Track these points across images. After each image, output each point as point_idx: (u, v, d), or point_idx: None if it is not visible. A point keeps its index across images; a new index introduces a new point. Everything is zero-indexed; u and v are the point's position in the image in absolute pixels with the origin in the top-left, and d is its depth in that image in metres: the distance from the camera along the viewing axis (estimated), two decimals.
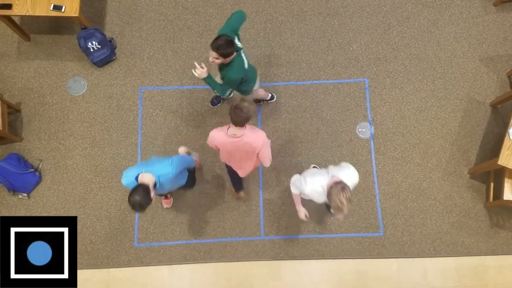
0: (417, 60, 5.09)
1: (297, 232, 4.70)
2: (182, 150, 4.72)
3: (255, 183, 4.80)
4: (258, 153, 3.76)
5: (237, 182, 4.47)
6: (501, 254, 4.66)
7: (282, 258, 4.65)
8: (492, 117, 4.95)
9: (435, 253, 4.67)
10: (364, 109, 4.96)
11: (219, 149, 3.89)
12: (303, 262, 4.66)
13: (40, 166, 4.85)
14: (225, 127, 3.67)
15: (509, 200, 4.39)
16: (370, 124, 4.92)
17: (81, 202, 4.76)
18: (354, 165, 4.81)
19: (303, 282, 4.61)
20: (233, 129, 3.58)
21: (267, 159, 3.82)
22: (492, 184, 4.68)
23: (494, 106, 4.97)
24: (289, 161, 4.85)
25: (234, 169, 4.10)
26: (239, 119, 3.47)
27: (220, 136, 3.68)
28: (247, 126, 3.64)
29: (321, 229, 4.71)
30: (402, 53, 5.11)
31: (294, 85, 5.04)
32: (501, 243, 4.68)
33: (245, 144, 3.65)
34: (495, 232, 4.71)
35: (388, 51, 5.12)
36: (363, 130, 4.91)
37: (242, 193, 4.63)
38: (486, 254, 4.67)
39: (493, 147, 4.88)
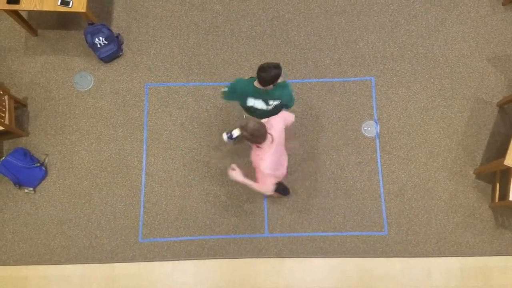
0: (424, 59, 5.07)
1: (301, 229, 4.70)
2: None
3: None
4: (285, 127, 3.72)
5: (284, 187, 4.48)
6: (505, 255, 4.64)
7: (286, 256, 4.66)
8: (499, 117, 4.92)
9: (440, 253, 4.65)
10: (370, 107, 4.95)
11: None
12: (306, 260, 4.66)
13: (46, 160, 4.87)
14: (257, 149, 3.58)
15: None
16: (375, 122, 4.90)
17: (86, 197, 4.78)
18: (359, 163, 4.82)
19: (306, 280, 4.61)
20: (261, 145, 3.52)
21: (289, 118, 3.78)
22: (498, 185, 4.66)
23: (501, 106, 4.94)
24: (293, 159, 4.85)
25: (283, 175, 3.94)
26: (256, 140, 3.41)
27: (268, 156, 3.55)
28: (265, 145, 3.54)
29: (325, 227, 4.71)
30: (409, 52, 5.09)
31: (300, 83, 5.03)
32: (506, 244, 4.66)
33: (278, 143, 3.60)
34: (500, 233, 4.69)
35: (395, 49, 5.10)
36: (369, 128, 4.90)
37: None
38: (490, 254, 4.66)
39: (500, 147, 4.86)
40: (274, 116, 3.70)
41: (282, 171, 3.78)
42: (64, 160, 4.86)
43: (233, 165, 3.71)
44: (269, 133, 3.50)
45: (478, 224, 4.71)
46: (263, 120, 3.77)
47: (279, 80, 3.76)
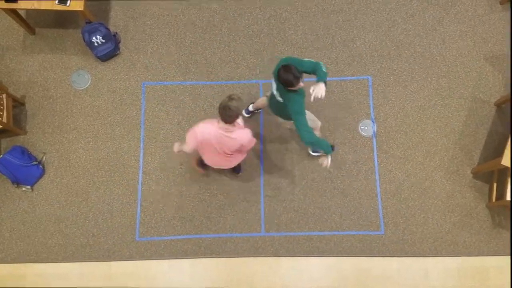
0: (422, 58, 5.06)
1: (298, 229, 4.70)
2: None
3: (256, 179, 4.80)
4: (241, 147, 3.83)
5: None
6: (502, 255, 4.63)
7: (283, 255, 4.66)
8: (496, 117, 4.91)
9: (436, 252, 4.65)
10: (367, 106, 4.94)
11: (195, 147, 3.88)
12: (303, 259, 4.66)
13: (44, 159, 4.89)
14: (215, 121, 3.69)
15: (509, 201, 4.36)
16: (372, 122, 4.90)
17: (84, 195, 4.79)
18: (356, 163, 4.82)
19: (303, 279, 4.61)
20: (224, 125, 3.62)
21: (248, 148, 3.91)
22: (495, 184, 4.65)
23: (498, 105, 4.93)
24: (290, 158, 4.85)
25: (211, 163, 4.08)
26: (230, 118, 3.52)
27: (210, 129, 3.69)
28: (237, 124, 3.67)
29: (322, 226, 4.70)
30: (406, 51, 5.08)
31: None
32: (503, 243, 4.65)
33: (231, 139, 3.67)
34: (497, 233, 4.68)
35: (392, 48, 5.09)
36: (366, 128, 4.89)
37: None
38: (487, 254, 4.65)
39: (497, 146, 4.84)
40: (243, 132, 3.76)
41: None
42: (61, 159, 4.88)
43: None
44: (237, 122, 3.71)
45: (475, 223, 4.70)
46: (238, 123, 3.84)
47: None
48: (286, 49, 5.10)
